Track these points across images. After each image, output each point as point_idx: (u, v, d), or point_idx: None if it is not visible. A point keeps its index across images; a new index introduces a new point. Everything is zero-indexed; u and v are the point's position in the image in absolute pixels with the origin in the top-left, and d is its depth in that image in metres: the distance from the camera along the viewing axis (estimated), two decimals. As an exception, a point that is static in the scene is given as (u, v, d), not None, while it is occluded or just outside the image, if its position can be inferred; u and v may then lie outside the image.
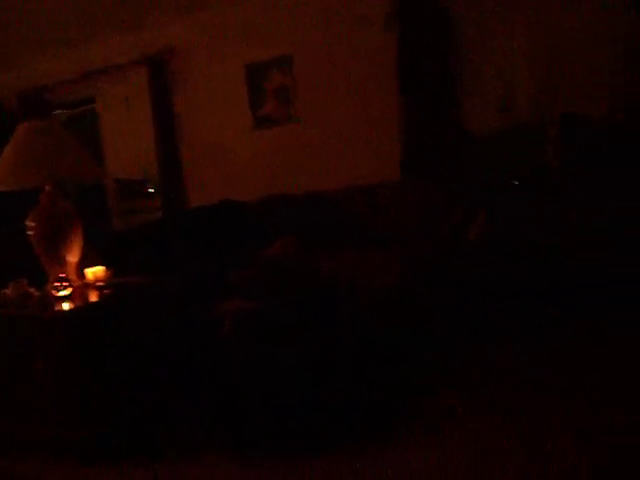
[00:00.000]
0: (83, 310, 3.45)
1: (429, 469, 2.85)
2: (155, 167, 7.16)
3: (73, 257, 3.83)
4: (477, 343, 4.25)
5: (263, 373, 3.36)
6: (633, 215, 4.46)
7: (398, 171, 5.98)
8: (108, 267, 3.90)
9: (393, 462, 2.94)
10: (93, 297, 3.65)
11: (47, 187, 3.82)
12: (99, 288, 3.76)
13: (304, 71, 6.41)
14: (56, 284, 3.56)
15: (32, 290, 3.69)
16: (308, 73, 6.39)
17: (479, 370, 3.83)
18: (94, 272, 3.83)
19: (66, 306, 3.44)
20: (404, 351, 4.15)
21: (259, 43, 6.58)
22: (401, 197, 5.68)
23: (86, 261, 3.95)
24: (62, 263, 3.77)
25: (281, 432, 3.24)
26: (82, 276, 3.90)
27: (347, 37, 6.14)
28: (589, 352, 3.87)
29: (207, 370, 3.51)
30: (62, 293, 3.55)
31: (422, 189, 5.63)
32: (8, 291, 3.65)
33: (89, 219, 6.05)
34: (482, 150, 5.77)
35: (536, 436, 3.00)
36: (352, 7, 6.09)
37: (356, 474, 2.90)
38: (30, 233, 3.78)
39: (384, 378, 3.85)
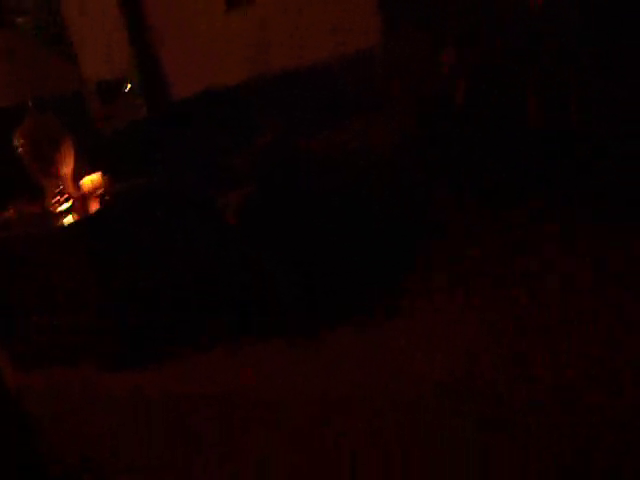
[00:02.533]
0: (86, 222, 3.44)
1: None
2: (132, 62, 6.95)
3: (67, 169, 3.79)
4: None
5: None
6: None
7: (378, 32, 5.78)
8: (104, 174, 3.86)
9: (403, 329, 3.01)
10: (94, 207, 3.64)
11: (29, 103, 3.72)
12: (99, 197, 3.73)
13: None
14: (55, 199, 3.54)
15: (33, 208, 3.68)
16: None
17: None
18: (91, 181, 3.79)
19: (68, 220, 3.43)
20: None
21: None
22: (389, 59, 5.52)
23: (80, 172, 3.91)
24: (57, 177, 3.73)
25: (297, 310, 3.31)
26: (79, 187, 3.87)
27: None
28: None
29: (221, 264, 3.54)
30: (62, 207, 3.53)
31: (410, 45, 5.45)
32: (9, 213, 3.64)
33: (73, 128, 5.97)
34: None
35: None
36: None
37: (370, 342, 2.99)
38: (20, 151, 3.72)
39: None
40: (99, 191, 3.76)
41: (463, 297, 3.14)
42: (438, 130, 4.67)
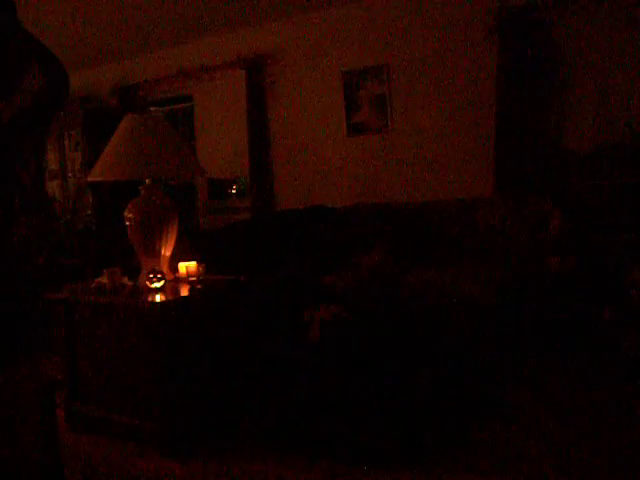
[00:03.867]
0: (175, 302, 3.48)
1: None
2: (246, 169, 7.22)
3: (167, 251, 3.87)
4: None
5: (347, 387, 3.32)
6: None
7: (490, 187, 5.85)
8: (200, 263, 3.92)
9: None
10: (184, 291, 3.68)
11: (147, 180, 3.87)
12: (191, 283, 3.78)
13: (400, 80, 6.36)
14: (150, 276, 3.59)
15: (125, 280, 3.74)
16: (404, 83, 6.34)
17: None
18: (187, 267, 3.85)
19: (158, 298, 3.47)
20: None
21: (356, 50, 6.57)
22: (495, 213, 5.55)
23: (178, 256, 3.99)
24: (156, 256, 3.82)
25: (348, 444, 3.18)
26: (174, 270, 3.93)
27: (445, 48, 6.07)
28: None
29: (290, 374, 3.49)
30: (155, 285, 3.58)
31: (517, 206, 5.48)
32: (103, 279, 3.72)
33: (180, 216, 6.16)
34: (578, 169, 5.58)
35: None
36: (452, 18, 6.00)
37: None
38: (128, 224, 3.84)
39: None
40: (192, 278, 3.81)
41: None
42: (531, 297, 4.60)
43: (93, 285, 3.76)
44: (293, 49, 6.95)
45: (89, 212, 7.66)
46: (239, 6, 6.34)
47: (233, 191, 7.49)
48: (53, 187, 8.39)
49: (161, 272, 3.64)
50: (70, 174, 8.35)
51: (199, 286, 3.72)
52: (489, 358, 4.27)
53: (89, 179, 3.87)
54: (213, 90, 7.59)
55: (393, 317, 3.73)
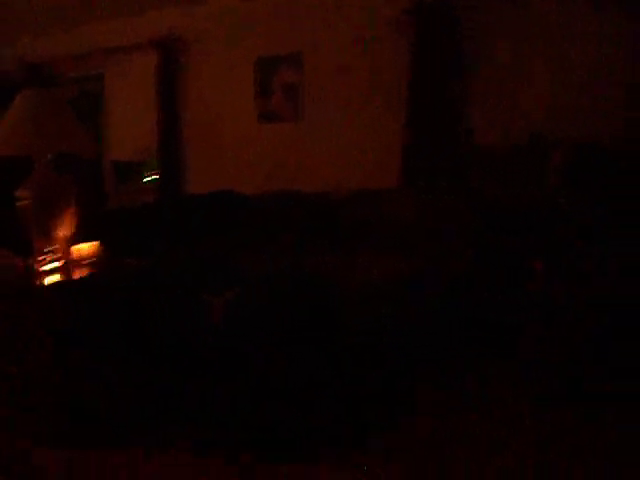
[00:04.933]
0: (68, 285, 3.34)
1: None
2: (154, 150, 7.05)
3: (64, 231, 3.71)
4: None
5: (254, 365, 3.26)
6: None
7: (396, 179, 5.88)
8: (98, 245, 3.78)
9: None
10: (78, 274, 3.54)
11: (48, 156, 3.70)
12: (87, 265, 3.64)
13: (314, 69, 6.32)
14: (42, 257, 3.44)
15: (16, 261, 3.57)
16: (318, 71, 6.30)
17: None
18: (82, 249, 3.71)
19: (51, 280, 3.33)
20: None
21: (271, 37, 6.49)
22: (402, 205, 5.57)
23: (76, 237, 3.84)
24: (51, 236, 3.65)
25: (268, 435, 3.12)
26: (70, 252, 3.78)
27: (359, 38, 6.05)
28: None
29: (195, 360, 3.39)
30: (48, 267, 3.42)
31: (424, 199, 5.52)
32: (-9, 261, 3.54)
33: (84, 199, 5.94)
34: (488, 167, 5.66)
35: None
36: (366, 8, 6.00)
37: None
38: (20, 203, 3.66)
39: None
40: (88, 260, 3.67)
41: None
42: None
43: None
44: (207, 32, 6.82)
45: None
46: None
47: (147, 176, 7.30)
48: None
49: (54, 254, 3.49)
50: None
51: (95, 269, 3.59)
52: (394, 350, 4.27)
53: (-21, 154, 3.67)
54: (125, 70, 7.38)
55: (299, 300, 3.69)
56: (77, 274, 3.54)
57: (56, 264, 3.46)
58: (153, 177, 7.17)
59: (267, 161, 6.59)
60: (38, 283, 3.32)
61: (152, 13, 6.98)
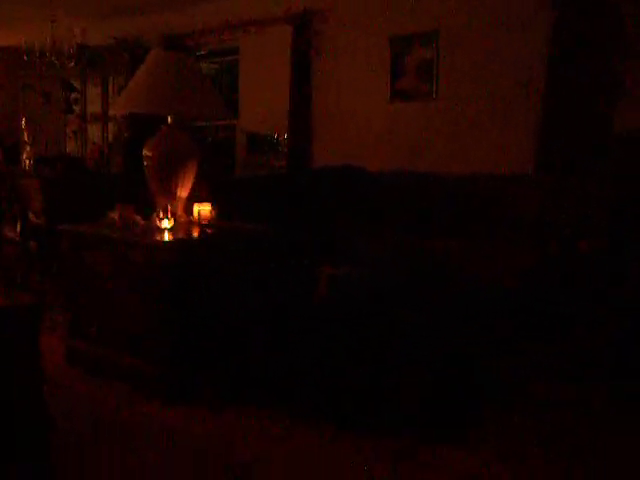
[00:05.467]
0: (182, 243, 3.39)
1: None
2: (285, 124, 7.08)
3: (183, 192, 3.78)
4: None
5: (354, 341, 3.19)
6: None
7: (531, 165, 5.60)
8: (216, 208, 3.82)
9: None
10: (194, 233, 3.59)
11: (169, 118, 3.78)
12: (203, 226, 3.69)
13: (449, 48, 6.11)
14: (160, 215, 3.50)
15: (138, 217, 3.67)
16: (453, 50, 6.09)
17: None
18: (201, 209, 3.76)
19: (166, 237, 3.39)
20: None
21: (406, 14, 6.33)
22: (534, 192, 5.32)
23: (196, 199, 3.90)
24: (171, 196, 3.72)
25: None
26: (189, 212, 3.84)
27: (498, 16, 5.79)
28: None
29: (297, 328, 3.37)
30: (165, 224, 3.49)
31: (556, 188, 5.24)
32: (115, 214, 3.65)
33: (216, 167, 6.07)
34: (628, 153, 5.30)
35: None
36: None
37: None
38: (145, 163, 3.75)
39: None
40: (204, 221, 3.72)
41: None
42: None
43: (104, 220, 3.69)
44: (342, 8, 6.74)
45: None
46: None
47: (275, 147, 7.37)
48: (93, 130, 8.39)
49: (172, 212, 3.55)
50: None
51: (210, 230, 3.63)
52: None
53: (111, 112, 3.80)
54: (259, 44, 7.44)
55: (411, 283, 3.59)
56: (195, 233, 3.59)
57: (172, 222, 3.50)
58: (281, 149, 7.23)
59: (396, 140, 6.47)
60: (157, 239, 3.39)
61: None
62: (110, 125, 8.15)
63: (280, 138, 7.22)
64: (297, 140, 6.97)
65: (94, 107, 8.40)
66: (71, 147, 8.90)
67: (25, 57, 6.72)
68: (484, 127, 5.95)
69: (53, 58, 6.65)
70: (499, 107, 5.85)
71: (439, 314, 3.52)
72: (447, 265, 4.28)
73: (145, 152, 3.74)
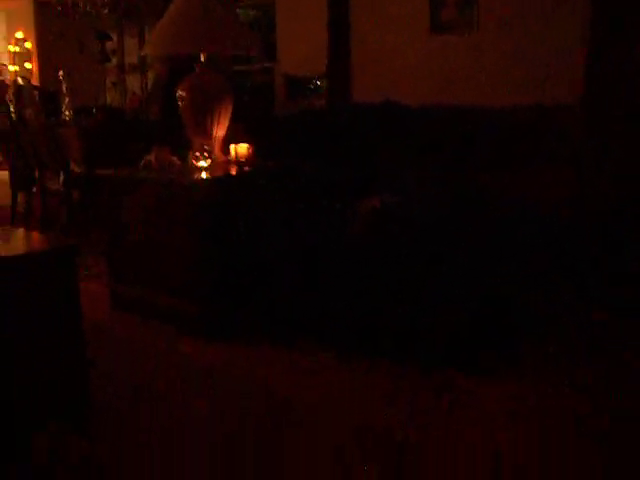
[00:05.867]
0: (219, 181, 3.36)
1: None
2: (324, 64, 6.94)
3: (219, 131, 3.73)
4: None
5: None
6: None
7: (574, 98, 5.38)
8: (253, 147, 3.76)
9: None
10: (232, 172, 3.55)
11: (202, 57, 3.71)
12: (240, 165, 3.64)
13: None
14: (197, 154, 3.46)
15: (174, 158, 3.63)
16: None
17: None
18: (237, 148, 3.70)
19: (203, 176, 3.35)
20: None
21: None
22: (579, 127, 5.12)
23: (233, 140, 3.84)
24: (207, 135, 3.68)
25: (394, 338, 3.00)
26: (226, 152, 3.79)
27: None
28: None
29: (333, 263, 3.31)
30: (202, 164, 3.45)
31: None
32: (151, 157, 3.62)
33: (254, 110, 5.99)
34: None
35: None
36: None
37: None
38: (180, 103, 3.71)
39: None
40: (242, 160, 3.67)
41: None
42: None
43: (142, 163, 3.67)
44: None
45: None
46: None
47: (312, 86, 7.25)
48: (132, 81, 8.36)
49: (209, 151, 3.50)
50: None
51: (246, 168, 3.58)
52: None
53: (142, 53, 3.75)
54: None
55: (452, 217, 3.49)
56: (232, 172, 3.55)
57: (209, 161, 3.46)
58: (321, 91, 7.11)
59: (436, 73, 6.28)
60: (194, 178, 3.36)
61: None
62: (149, 74, 8.12)
63: (319, 80, 7.09)
64: (336, 79, 6.84)
65: (132, 58, 8.37)
66: (111, 98, 8.91)
67: (59, 7, 6.69)
68: (528, 58, 5.74)
69: (88, 7, 6.60)
70: (544, 38, 5.63)
71: (478, 249, 3.42)
72: (488, 197, 4.17)
73: (179, 92, 3.69)
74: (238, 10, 7.71)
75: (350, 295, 3.10)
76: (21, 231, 2.95)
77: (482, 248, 3.42)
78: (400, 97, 5.89)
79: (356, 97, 6.76)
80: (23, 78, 10.11)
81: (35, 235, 2.91)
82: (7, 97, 5.53)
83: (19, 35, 10.77)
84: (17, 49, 10.89)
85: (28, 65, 10.73)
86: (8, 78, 10.12)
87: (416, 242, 3.20)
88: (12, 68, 10.71)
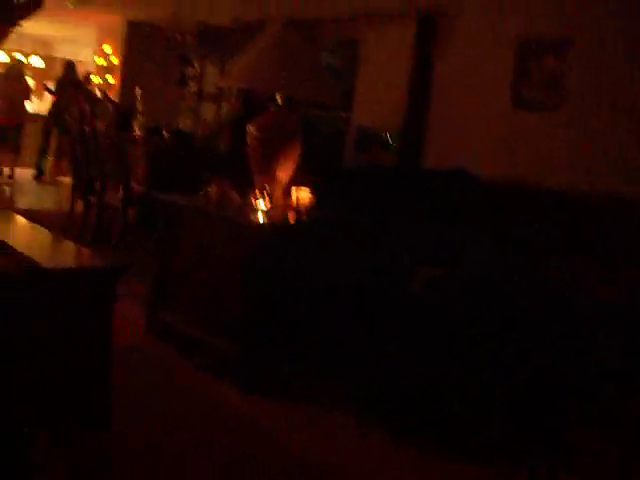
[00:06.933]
0: (274, 226, 3.28)
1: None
2: (399, 122, 6.89)
3: (283, 173, 3.66)
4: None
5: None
6: None
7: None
8: (315, 194, 3.69)
9: None
10: (290, 218, 3.48)
11: (278, 97, 3.68)
12: (299, 210, 3.56)
13: (583, 56, 5.76)
14: (257, 194, 3.40)
15: (234, 194, 3.58)
16: (583, 59, 5.73)
17: None
18: (299, 194, 3.62)
19: (260, 218, 3.28)
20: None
21: (537, 17, 6.00)
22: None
23: (297, 184, 3.78)
24: (271, 176, 3.62)
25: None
26: (287, 195, 3.72)
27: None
28: None
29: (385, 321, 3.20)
30: (261, 204, 3.38)
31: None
32: (212, 189, 3.57)
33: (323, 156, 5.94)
34: None
35: None
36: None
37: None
38: (249, 140, 3.67)
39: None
40: (302, 206, 3.58)
41: None
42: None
43: (201, 194, 3.62)
44: (469, 7, 6.48)
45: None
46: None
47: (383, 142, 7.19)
48: (208, 109, 8.44)
49: (270, 193, 3.43)
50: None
51: (305, 215, 3.50)
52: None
53: (219, 83, 3.73)
54: (380, 38, 7.26)
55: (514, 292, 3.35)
56: (290, 217, 3.48)
57: (268, 203, 3.39)
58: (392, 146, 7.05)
59: (514, 148, 6.16)
60: (250, 218, 3.30)
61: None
62: (224, 105, 8.19)
63: (392, 137, 7.04)
64: (409, 138, 6.78)
65: (210, 86, 8.46)
66: (184, 122, 9.00)
67: (148, 29, 6.82)
68: (613, 144, 5.58)
69: (175, 33, 6.70)
70: (631, 125, 5.47)
71: (539, 327, 3.27)
72: (552, 279, 4.02)
73: (250, 129, 3.65)
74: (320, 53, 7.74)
75: (401, 358, 2.98)
76: (70, 244, 2.90)
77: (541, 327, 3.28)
78: (473, 167, 5.79)
79: (428, 160, 6.69)
80: (101, 90, 10.35)
81: (82, 250, 2.86)
82: (85, 106, 5.62)
83: (107, 49, 11.06)
84: (103, 62, 11.19)
85: (111, 79, 10.99)
86: (92, 88, 10.40)
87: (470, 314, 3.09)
88: (95, 79, 10.98)
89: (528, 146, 6.03)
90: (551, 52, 5.94)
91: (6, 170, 10.43)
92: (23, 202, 8.60)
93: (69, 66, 10.42)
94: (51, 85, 10.18)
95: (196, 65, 8.86)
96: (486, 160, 6.20)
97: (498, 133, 6.26)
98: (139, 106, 6.48)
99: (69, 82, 9.74)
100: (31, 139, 11.58)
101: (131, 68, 10.58)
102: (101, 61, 11.24)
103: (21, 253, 2.28)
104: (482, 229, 4.80)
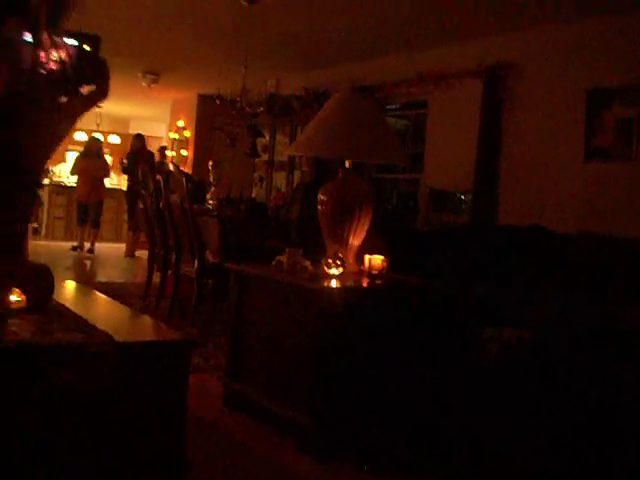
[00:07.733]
0: (348, 292, 3.24)
1: None
2: (470, 182, 6.81)
3: (355, 240, 3.63)
4: None
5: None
6: None
7: None
8: (388, 259, 3.63)
9: None
10: (364, 283, 3.43)
11: (347, 163, 3.67)
12: (372, 277, 3.51)
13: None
14: (329, 261, 3.37)
15: (307, 262, 3.55)
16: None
17: None
18: (372, 260, 3.58)
19: (333, 284, 3.24)
20: None
21: (605, 67, 5.89)
22: None
23: (370, 250, 3.74)
24: (343, 242, 3.59)
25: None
26: (359, 262, 3.68)
27: None
28: None
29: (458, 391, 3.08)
30: (333, 271, 3.34)
31: None
32: (283, 257, 3.56)
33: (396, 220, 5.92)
34: None
35: None
36: None
37: None
38: (319, 207, 3.66)
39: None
40: (375, 272, 3.53)
41: None
42: None
43: (273, 263, 3.62)
44: (536, 60, 6.43)
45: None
46: (482, 13, 6.01)
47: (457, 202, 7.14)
48: (279, 178, 8.55)
49: (342, 259, 3.40)
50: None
51: (379, 281, 3.44)
52: None
53: (288, 152, 3.75)
54: (448, 98, 7.25)
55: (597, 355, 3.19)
56: (364, 283, 3.43)
57: (341, 269, 3.35)
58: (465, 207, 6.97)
59: (589, 201, 6.00)
60: (324, 285, 3.26)
61: (479, 39, 6.79)
62: (296, 173, 8.28)
63: (465, 196, 6.98)
64: (482, 197, 6.69)
65: (282, 155, 8.58)
66: (257, 192, 9.15)
67: (217, 101, 6.98)
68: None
69: (244, 104, 6.84)
70: None
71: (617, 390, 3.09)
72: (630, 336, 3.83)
73: (320, 196, 3.65)
74: (388, 119, 7.78)
75: (482, 429, 2.86)
76: (146, 319, 2.92)
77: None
78: (547, 222, 5.65)
79: (501, 217, 6.57)
80: (173, 164, 10.64)
81: (156, 323, 2.87)
82: (159, 180, 5.79)
83: (180, 123, 11.42)
84: (177, 136, 11.55)
85: (184, 152, 11.32)
86: (166, 162, 10.72)
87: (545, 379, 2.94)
88: (169, 153, 11.33)
89: (602, 197, 5.88)
90: (622, 99, 5.82)
91: (86, 244, 10.76)
92: (103, 275, 8.84)
93: (137, 138, 10.81)
94: (125, 161, 10.53)
95: (266, 135, 9.04)
96: (560, 214, 6.06)
97: (570, 186, 6.13)
98: (212, 177, 6.60)
99: (141, 156, 10.04)
100: (111, 213, 12.00)
101: (203, 141, 10.90)
102: (175, 135, 11.61)
103: (96, 327, 2.29)
104: (553, 284, 4.65)
